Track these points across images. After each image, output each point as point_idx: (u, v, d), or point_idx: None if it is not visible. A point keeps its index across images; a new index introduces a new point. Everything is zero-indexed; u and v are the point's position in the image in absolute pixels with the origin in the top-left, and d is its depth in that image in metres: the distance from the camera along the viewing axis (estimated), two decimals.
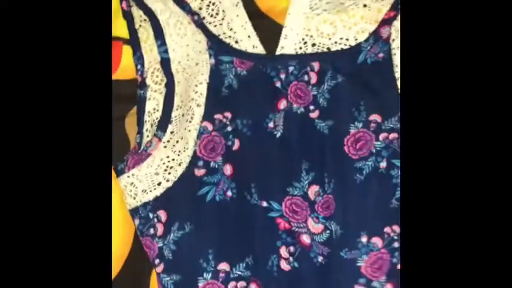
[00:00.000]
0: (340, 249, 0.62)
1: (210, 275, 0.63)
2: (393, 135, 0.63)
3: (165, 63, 0.66)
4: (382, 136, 0.63)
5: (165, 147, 0.65)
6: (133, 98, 0.67)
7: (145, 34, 0.68)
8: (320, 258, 0.63)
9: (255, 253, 0.63)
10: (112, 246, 0.64)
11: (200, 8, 0.68)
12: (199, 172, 0.64)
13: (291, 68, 0.65)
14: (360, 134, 0.64)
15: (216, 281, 0.63)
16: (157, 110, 0.66)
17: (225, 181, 0.64)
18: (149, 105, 0.66)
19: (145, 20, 0.68)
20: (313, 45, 0.66)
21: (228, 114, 0.65)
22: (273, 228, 0.63)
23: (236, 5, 0.68)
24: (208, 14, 0.68)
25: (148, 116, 0.66)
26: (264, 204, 0.64)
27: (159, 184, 0.64)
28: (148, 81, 0.67)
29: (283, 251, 0.63)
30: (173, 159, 0.65)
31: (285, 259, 0.63)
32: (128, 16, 0.68)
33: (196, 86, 0.66)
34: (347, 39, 0.66)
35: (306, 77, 0.65)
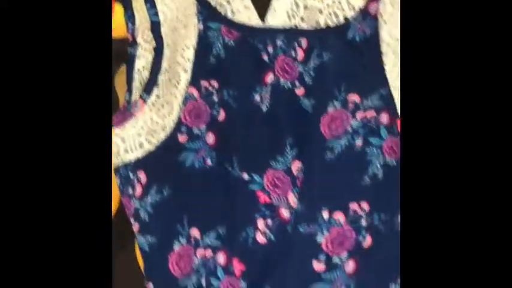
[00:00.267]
0: (299, 224, 0.62)
1: (185, 239, 0.63)
2: (371, 114, 0.63)
3: (155, 27, 0.65)
4: (360, 115, 0.63)
5: (150, 110, 0.64)
6: (124, 56, 0.66)
7: None
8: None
9: (231, 224, 0.63)
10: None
11: None
12: (181, 138, 0.64)
13: (278, 42, 0.64)
14: (337, 113, 0.63)
15: (190, 246, 0.63)
16: (146, 69, 0.65)
17: (206, 149, 0.63)
18: (139, 64, 0.65)
19: None
20: (305, 7, 0.65)
21: (215, 83, 0.64)
22: (252, 200, 0.63)
23: None
24: None
25: (138, 74, 0.65)
26: (245, 176, 0.63)
27: (141, 146, 0.64)
28: (138, 39, 0.65)
29: (260, 224, 0.63)
30: (157, 123, 0.64)
31: (262, 232, 0.63)
32: None
33: (183, 50, 0.65)
34: (336, 16, 0.65)
35: (293, 53, 0.65)
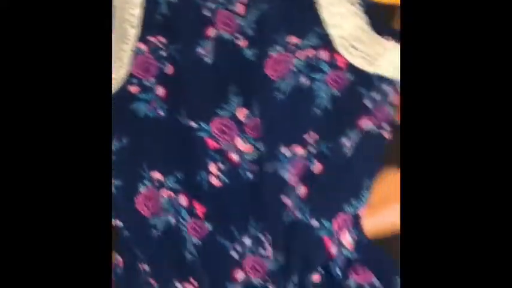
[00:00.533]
0: (265, 164, 0.67)
1: (149, 182, 0.67)
2: (311, 52, 0.68)
3: None
4: (301, 54, 0.68)
5: None
6: None
7: None
8: (250, 175, 0.67)
9: (185, 169, 0.67)
10: None
11: None
12: (133, 89, 0.68)
13: None
14: (280, 56, 0.68)
15: (155, 189, 0.67)
16: None
17: (156, 101, 0.68)
18: None
19: None
20: None
21: (162, 39, 0.69)
22: (202, 146, 0.67)
23: None
24: None
25: None
26: (194, 124, 0.67)
27: None
28: None
29: (212, 168, 0.67)
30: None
31: (215, 175, 0.67)
32: None
33: (132, 9, 0.69)
34: None
35: (232, 7, 0.70)
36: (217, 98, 0.68)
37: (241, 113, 0.68)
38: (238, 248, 0.66)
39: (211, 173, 0.67)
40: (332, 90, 0.67)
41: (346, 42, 0.68)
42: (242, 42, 0.69)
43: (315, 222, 0.65)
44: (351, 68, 0.68)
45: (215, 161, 0.67)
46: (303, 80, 0.68)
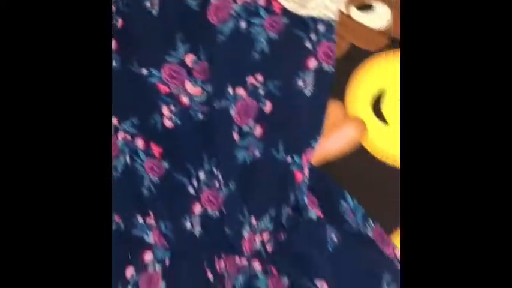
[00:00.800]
0: (214, 103, 0.72)
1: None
2: None
3: None
4: (240, 0, 0.73)
5: None
6: None
7: None
8: (200, 116, 0.72)
9: (140, 114, 0.72)
10: None
11: None
12: None
13: None
14: (220, 3, 0.73)
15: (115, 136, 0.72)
16: None
17: (110, 53, 0.72)
18: None
19: None
20: None
21: None
22: (154, 91, 0.72)
23: None
24: None
25: None
26: (144, 71, 0.72)
27: None
28: None
29: (164, 110, 0.71)
30: None
31: (168, 118, 0.72)
32: None
33: None
34: None
35: None
36: (165, 46, 0.72)
37: (189, 59, 0.72)
38: (195, 183, 0.71)
39: (165, 116, 0.72)
40: (270, 34, 0.73)
41: None
42: None
43: (282, 157, 0.71)
44: (286, 13, 0.73)
45: (167, 104, 0.72)
46: (243, 25, 0.73)
